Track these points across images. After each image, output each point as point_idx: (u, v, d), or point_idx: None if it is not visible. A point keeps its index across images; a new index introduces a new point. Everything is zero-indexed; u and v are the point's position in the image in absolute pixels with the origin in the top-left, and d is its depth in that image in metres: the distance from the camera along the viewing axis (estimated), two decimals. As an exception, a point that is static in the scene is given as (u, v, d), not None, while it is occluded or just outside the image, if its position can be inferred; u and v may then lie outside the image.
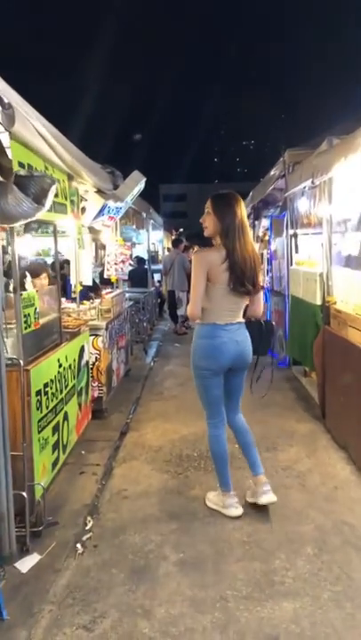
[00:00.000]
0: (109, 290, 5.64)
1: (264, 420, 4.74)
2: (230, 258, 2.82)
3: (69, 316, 4.27)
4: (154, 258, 15.85)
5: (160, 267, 14.93)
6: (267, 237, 10.43)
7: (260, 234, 10.70)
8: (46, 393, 3.05)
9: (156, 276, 13.85)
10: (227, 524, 2.98)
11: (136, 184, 5.72)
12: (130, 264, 11.71)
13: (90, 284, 4.74)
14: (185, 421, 4.72)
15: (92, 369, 4.60)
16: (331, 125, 5.59)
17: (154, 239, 15.10)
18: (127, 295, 8.58)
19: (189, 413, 4.90)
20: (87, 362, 4.24)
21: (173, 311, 10.13)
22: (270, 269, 8.10)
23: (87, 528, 2.93)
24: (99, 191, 4.99)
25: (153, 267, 12.85)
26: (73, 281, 4.65)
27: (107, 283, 6.82)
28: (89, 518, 3.01)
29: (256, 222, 10.38)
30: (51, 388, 3.15)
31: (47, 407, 3.07)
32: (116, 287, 6.58)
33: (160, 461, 3.87)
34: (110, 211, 5.40)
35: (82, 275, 4.64)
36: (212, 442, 3.11)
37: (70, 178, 4.09)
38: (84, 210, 4.80)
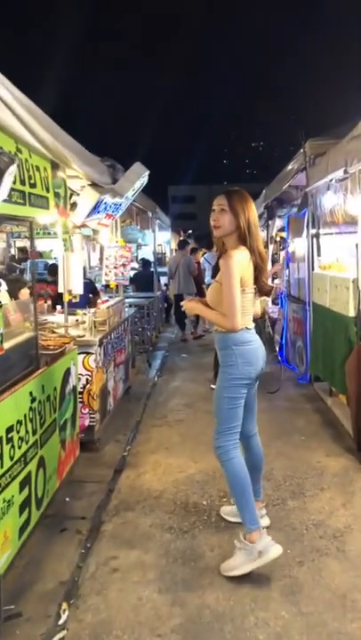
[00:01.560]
0: (106, 298, 4.93)
1: (285, 452, 4.00)
2: (254, 257, 2.63)
3: (53, 332, 3.56)
4: (160, 260, 15.16)
5: (167, 269, 14.27)
6: (279, 238, 9.71)
7: (274, 234, 9.98)
8: (10, 440, 2.34)
9: (163, 279, 13.15)
10: (247, 616, 2.24)
11: (138, 177, 5.00)
12: (133, 268, 11.11)
13: (81, 292, 4.02)
14: (192, 455, 3.99)
15: (81, 393, 3.89)
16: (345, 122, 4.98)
17: (161, 240, 14.42)
18: (130, 301, 7.90)
19: (197, 443, 4.18)
20: (75, 387, 3.53)
21: (180, 317, 9.42)
22: (287, 273, 7.36)
23: (60, 622, 2.20)
24: (93, 184, 4.28)
25: (159, 269, 12.15)
26: (61, 289, 3.95)
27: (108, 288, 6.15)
28: (64, 606, 2.29)
29: (270, 222, 9.65)
30: (18, 432, 2.44)
31: (12, 458, 2.36)
32: (116, 294, 5.88)
33: (161, 512, 3.15)
34: (108, 208, 4.69)
35: (71, 282, 3.93)
36: (237, 464, 2.63)
37: (55, 166, 3.40)
38: (74, 206, 4.10)
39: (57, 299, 7.11)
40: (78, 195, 4.15)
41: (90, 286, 7.21)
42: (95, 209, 4.34)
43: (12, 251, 11.38)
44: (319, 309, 4.92)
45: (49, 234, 11.41)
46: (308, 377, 5.84)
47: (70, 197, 4.10)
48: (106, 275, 5.61)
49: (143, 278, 10.00)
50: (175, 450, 4.13)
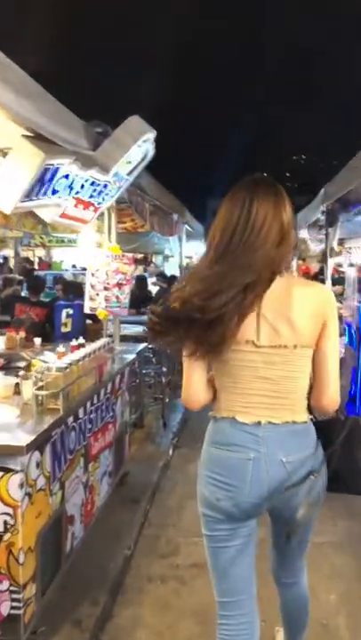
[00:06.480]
0: (79, 342, 2.92)
1: None
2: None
3: None
4: (191, 275, 13.04)
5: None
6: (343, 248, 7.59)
7: (335, 245, 7.80)
8: None
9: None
10: None
11: (134, 140, 3.01)
12: (155, 283, 9.11)
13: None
14: None
15: (-13, 558, 1.88)
16: None
17: (191, 251, 12.30)
18: (140, 329, 5.91)
19: None
20: None
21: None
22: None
23: None
24: (40, 138, 2.30)
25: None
26: None
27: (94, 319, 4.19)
28: None
29: (330, 230, 7.50)
30: None
31: None
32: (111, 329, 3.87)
33: None
34: (79, 188, 2.72)
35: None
36: None
37: None
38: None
39: (42, 326, 5.28)
40: (5, 152, 2.18)
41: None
42: (44, 184, 2.35)
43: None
44: None
45: (62, 241, 9.63)
46: None
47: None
48: (91, 299, 3.62)
49: (167, 298, 8.04)
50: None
